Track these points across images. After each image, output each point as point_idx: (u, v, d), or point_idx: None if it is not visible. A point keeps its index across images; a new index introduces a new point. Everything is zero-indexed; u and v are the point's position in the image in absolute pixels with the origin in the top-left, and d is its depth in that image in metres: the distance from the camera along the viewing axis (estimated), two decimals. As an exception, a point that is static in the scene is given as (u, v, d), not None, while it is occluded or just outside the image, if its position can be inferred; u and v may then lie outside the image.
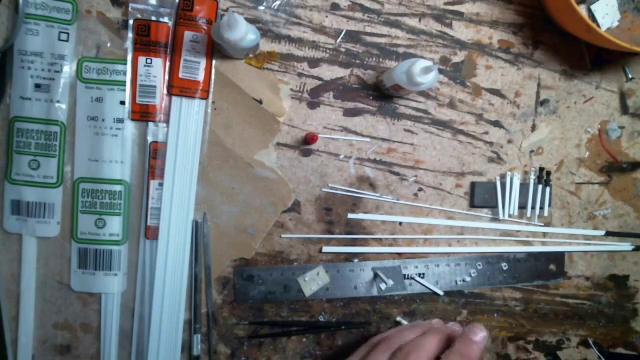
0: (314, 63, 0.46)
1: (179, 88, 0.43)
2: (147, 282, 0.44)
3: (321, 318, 0.47)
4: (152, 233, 0.44)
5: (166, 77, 0.43)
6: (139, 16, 0.42)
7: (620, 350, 0.53)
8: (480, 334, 0.37)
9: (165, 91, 0.43)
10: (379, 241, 0.48)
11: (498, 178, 0.49)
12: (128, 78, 0.43)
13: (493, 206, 0.49)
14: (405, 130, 0.47)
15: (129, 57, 0.43)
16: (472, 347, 0.36)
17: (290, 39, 0.45)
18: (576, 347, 0.52)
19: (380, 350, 0.38)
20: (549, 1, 0.46)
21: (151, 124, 0.43)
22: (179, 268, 0.44)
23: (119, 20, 0.43)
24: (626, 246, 0.52)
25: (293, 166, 0.46)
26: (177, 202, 0.44)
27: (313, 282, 0.46)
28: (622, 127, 0.51)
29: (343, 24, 0.46)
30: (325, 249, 0.47)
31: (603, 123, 0.51)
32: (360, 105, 0.47)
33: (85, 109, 0.43)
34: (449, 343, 0.38)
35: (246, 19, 0.38)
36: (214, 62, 0.44)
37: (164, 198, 0.43)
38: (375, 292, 0.48)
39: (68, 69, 0.42)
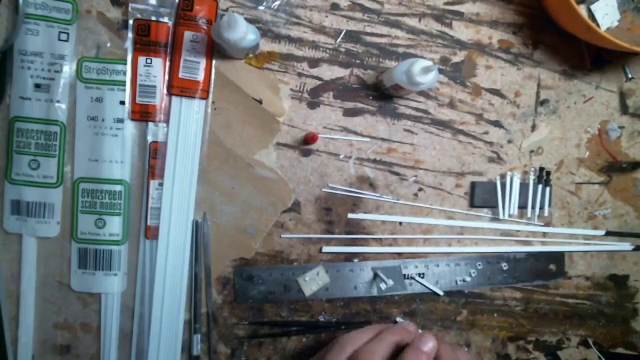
0: (314, 63, 0.46)
1: (179, 88, 0.43)
2: (147, 282, 0.44)
3: (321, 318, 0.47)
4: (152, 233, 0.44)
5: (166, 77, 0.43)
6: (139, 16, 0.42)
7: (620, 350, 0.53)
8: (429, 344, 0.37)
9: (165, 91, 0.43)
10: (379, 241, 0.48)
11: (498, 178, 0.49)
12: (128, 78, 0.43)
13: (493, 206, 0.49)
14: (405, 130, 0.47)
15: (129, 57, 0.43)
16: (420, 357, 0.36)
17: (290, 39, 0.45)
18: (576, 347, 0.52)
19: (333, 354, 0.38)
20: (549, 1, 0.46)
21: (151, 124, 0.43)
22: (179, 268, 0.44)
23: (119, 20, 0.43)
24: (626, 246, 0.52)
25: (293, 166, 0.46)
26: (177, 202, 0.44)
27: (313, 282, 0.46)
28: (622, 127, 0.51)
29: (343, 24, 0.46)
30: (325, 249, 0.47)
31: (603, 123, 0.51)
32: (360, 105, 0.47)
33: (85, 109, 0.43)
34: (402, 347, 0.37)
35: (246, 19, 0.38)
36: (214, 62, 0.44)
37: (164, 198, 0.43)
38: (375, 292, 0.48)
39: (68, 69, 0.42)
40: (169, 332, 0.44)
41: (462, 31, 0.47)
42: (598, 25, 0.46)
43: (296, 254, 0.47)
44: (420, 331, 0.42)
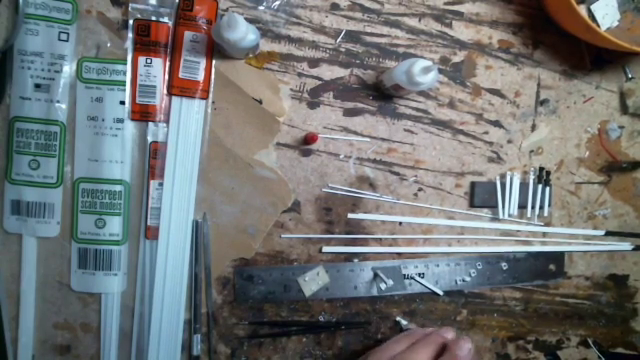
0: (314, 63, 0.46)
1: (179, 88, 0.43)
2: (147, 282, 0.44)
3: (321, 318, 0.47)
4: (152, 233, 0.44)
5: (166, 77, 0.43)
6: (139, 16, 0.42)
7: (620, 350, 0.53)
8: (465, 346, 0.39)
9: (165, 91, 0.43)
10: (379, 241, 0.48)
11: (498, 178, 0.49)
12: (128, 78, 0.43)
13: (493, 206, 0.49)
14: (405, 130, 0.47)
15: (129, 57, 0.43)
16: None
17: (290, 39, 0.45)
18: (576, 347, 0.52)
19: None
20: (549, 1, 0.46)
21: (151, 124, 0.43)
22: (179, 268, 0.44)
23: (119, 20, 0.43)
24: (626, 246, 0.52)
25: (293, 166, 0.46)
26: (177, 202, 0.44)
27: (313, 282, 0.46)
28: (622, 127, 0.51)
29: (343, 24, 0.46)
30: (325, 249, 0.47)
31: (603, 123, 0.51)
32: (360, 105, 0.47)
33: (85, 109, 0.43)
34: (440, 353, 0.39)
35: (246, 19, 0.38)
36: (214, 62, 0.44)
37: (164, 198, 0.43)
38: (375, 292, 0.48)
39: (68, 69, 0.42)
40: (169, 332, 0.44)
41: (462, 31, 0.47)
42: (598, 25, 0.46)
43: (296, 254, 0.47)
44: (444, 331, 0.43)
